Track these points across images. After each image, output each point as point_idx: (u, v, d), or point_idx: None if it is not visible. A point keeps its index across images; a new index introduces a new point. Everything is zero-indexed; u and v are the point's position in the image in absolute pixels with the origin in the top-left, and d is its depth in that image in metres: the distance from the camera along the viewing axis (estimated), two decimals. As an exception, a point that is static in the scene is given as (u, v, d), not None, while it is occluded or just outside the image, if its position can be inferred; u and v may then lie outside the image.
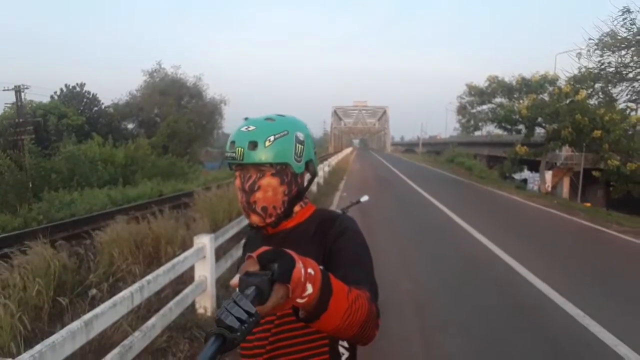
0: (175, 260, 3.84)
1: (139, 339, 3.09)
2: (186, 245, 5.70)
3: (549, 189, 22.82)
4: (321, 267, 0.88)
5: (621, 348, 3.89)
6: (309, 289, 0.81)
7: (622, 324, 4.46)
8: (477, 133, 26.54)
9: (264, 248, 0.82)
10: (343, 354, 1.16)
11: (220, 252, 5.76)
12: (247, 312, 0.72)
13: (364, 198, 4.82)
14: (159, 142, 30.95)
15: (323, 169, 19.93)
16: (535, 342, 4.05)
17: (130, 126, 39.03)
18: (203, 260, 4.41)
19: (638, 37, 10.92)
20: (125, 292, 2.95)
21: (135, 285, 3.11)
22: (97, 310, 2.64)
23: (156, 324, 3.38)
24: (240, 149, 1.11)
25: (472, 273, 6.30)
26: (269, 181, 1.14)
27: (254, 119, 1.17)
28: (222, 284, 5.21)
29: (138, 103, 37.53)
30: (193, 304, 4.41)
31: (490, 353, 3.91)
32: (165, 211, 7.56)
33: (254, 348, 1.15)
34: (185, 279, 4.75)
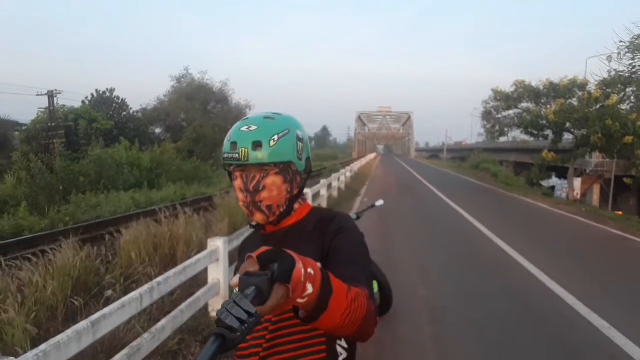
0: (188, 262, 3.87)
1: (147, 341, 3.11)
2: (203, 247, 5.75)
3: (578, 196, 22.17)
4: (320, 266, 0.88)
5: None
6: (309, 288, 0.82)
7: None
8: (503, 139, 25.96)
9: (264, 248, 0.82)
10: (341, 354, 1.15)
11: (235, 255, 5.80)
12: (247, 312, 0.72)
13: (379, 202, 4.78)
14: (184, 146, 31.45)
15: (345, 175, 19.88)
16: (554, 352, 3.91)
17: (157, 131, 39.84)
18: (216, 263, 4.43)
19: (671, 40, 10.51)
20: (134, 294, 2.98)
21: (145, 287, 3.14)
22: (105, 310, 2.67)
23: (166, 326, 3.41)
24: (244, 149, 1.09)
25: (491, 280, 6.14)
26: (274, 180, 1.14)
27: (252, 118, 1.16)
28: (236, 287, 5.24)
29: (165, 108, 38.27)
30: (206, 307, 4.44)
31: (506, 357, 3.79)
32: (186, 214, 7.65)
33: (250, 347, 1.15)
34: (201, 281, 4.78)
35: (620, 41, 11.74)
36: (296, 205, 1.23)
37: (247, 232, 5.62)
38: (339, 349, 1.15)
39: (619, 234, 10.51)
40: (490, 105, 23.09)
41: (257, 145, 1.09)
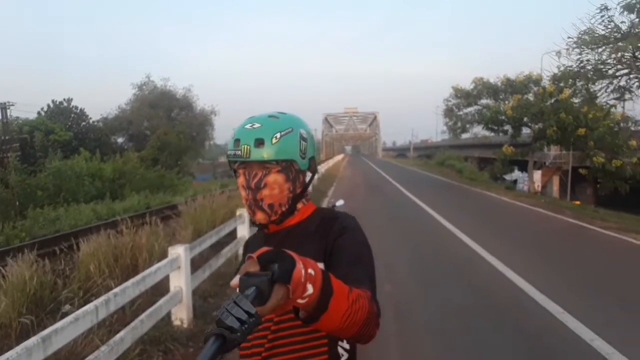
0: (147, 271, 3.80)
1: (105, 354, 3.03)
2: (166, 256, 5.65)
3: (539, 188, 22.92)
4: (322, 267, 0.88)
5: (597, 342, 3.89)
6: (310, 289, 0.81)
7: (600, 319, 4.47)
8: (465, 135, 26.68)
9: (264, 248, 0.82)
10: (342, 355, 1.15)
11: (201, 262, 5.74)
12: (247, 312, 0.72)
13: (340, 202, 4.78)
14: (148, 155, 30.83)
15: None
16: (512, 339, 4.05)
17: (120, 140, 38.88)
18: (178, 271, 4.37)
19: (616, 34, 11.05)
20: (89, 307, 2.90)
21: (101, 299, 3.06)
22: (58, 325, 2.59)
23: (125, 337, 3.33)
24: (246, 146, 1.10)
25: (455, 274, 6.29)
26: (275, 178, 1.14)
27: (257, 116, 1.17)
28: (200, 295, 5.18)
29: (127, 116, 37.40)
30: (169, 316, 4.37)
31: (466, 352, 3.89)
32: (150, 223, 7.49)
33: (253, 347, 1.15)
34: (164, 290, 4.70)
35: (569, 37, 12.24)
36: (299, 205, 1.22)
37: (208, 239, 5.57)
38: (341, 350, 1.15)
39: (575, 223, 10.96)
40: (452, 103, 23.69)
41: (259, 142, 1.10)
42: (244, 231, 7.01)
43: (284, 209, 1.18)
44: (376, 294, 1.06)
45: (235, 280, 0.79)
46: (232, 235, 6.92)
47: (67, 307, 4.44)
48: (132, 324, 3.50)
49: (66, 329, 2.61)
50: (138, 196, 16.75)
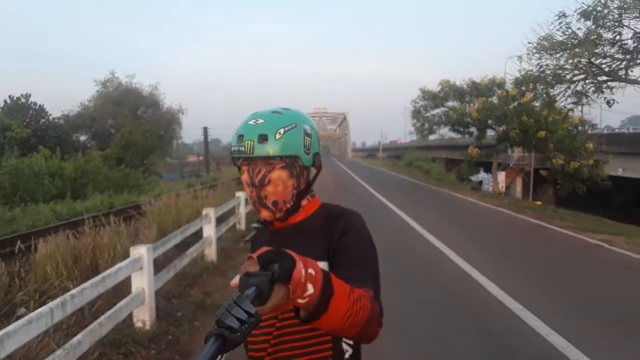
0: (107, 272, 3.69)
1: (61, 358, 2.92)
2: (128, 256, 5.51)
3: (503, 189, 23.60)
4: (322, 267, 0.87)
5: (553, 337, 4.04)
6: (310, 289, 0.81)
7: (557, 315, 4.64)
8: (433, 137, 27.19)
9: (264, 248, 0.82)
10: (347, 351, 1.15)
11: (166, 262, 5.62)
12: (247, 312, 0.72)
13: (305, 201, 4.84)
14: (113, 153, 29.98)
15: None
16: (473, 336, 4.15)
17: (82, 138, 37.67)
18: (140, 272, 4.26)
19: (573, 41, 11.51)
20: (43, 309, 2.79)
21: (57, 301, 2.96)
22: (10, 328, 2.48)
23: (83, 340, 3.22)
24: (249, 142, 1.09)
25: (418, 272, 6.41)
26: (279, 174, 1.13)
27: (260, 112, 1.16)
28: (164, 295, 5.07)
29: (90, 114, 36.28)
30: (130, 318, 4.26)
31: (427, 350, 3.96)
32: (113, 223, 7.29)
33: (258, 343, 1.15)
34: (126, 291, 4.58)
35: (529, 43, 12.68)
36: (304, 202, 1.21)
37: (173, 238, 5.46)
38: (345, 346, 1.15)
39: (536, 223, 11.35)
40: (419, 105, 24.15)
41: (262, 138, 1.09)
42: (210, 231, 6.92)
43: (288, 205, 1.17)
44: (380, 293, 1.06)
45: (236, 280, 0.79)
46: (198, 235, 6.81)
47: (22, 310, 4.26)
48: (90, 327, 3.40)
49: (19, 332, 2.51)
50: (101, 196, 16.27)
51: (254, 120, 1.12)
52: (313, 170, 1.24)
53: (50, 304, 2.88)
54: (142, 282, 4.28)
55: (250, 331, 0.73)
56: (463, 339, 4.12)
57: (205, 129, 46.28)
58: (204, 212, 6.99)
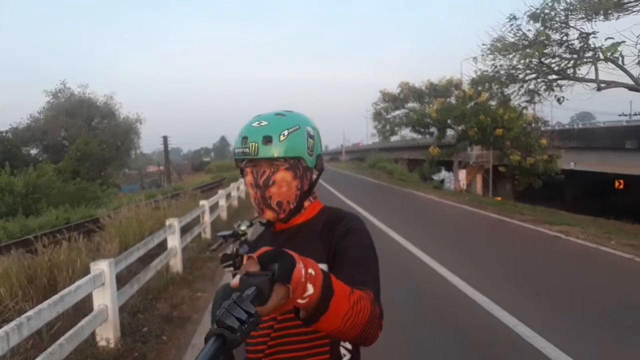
0: (65, 291, 3.50)
1: (18, 384, 2.75)
2: (89, 272, 5.27)
3: (464, 186, 24.27)
4: (323, 268, 0.88)
5: (520, 327, 4.15)
6: (310, 289, 0.81)
7: (522, 306, 4.78)
8: (394, 138, 27.67)
9: (264, 248, 0.82)
10: (345, 355, 1.15)
11: (130, 276, 5.41)
12: (247, 312, 0.72)
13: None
14: (67, 166, 28.76)
15: (244, 183, 19.62)
16: (441, 330, 4.20)
17: (33, 151, 35.98)
18: (102, 288, 4.08)
19: (524, 42, 11.99)
20: (-4, 333, 2.61)
21: (12, 324, 2.77)
22: (-42, 357, 2.31)
23: (42, 364, 3.04)
24: (254, 144, 1.10)
25: (383, 269, 6.41)
26: (283, 175, 1.14)
27: (264, 114, 1.17)
28: (128, 311, 4.88)
29: (41, 126, 34.78)
30: (93, 337, 4.06)
31: (393, 347, 3.98)
32: (70, 239, 6.96)
33: (256, 344, 1.15)
34: (88, 309, 4.37)
35: (483, 44, 13.17)
36: (306, 203, 1.22)
37: (136, 251, 5.26)
38: (343, 350, 1.14)
39: (497, 217, 11.71)
40: (380, 107, 24.53)
41: (267, 139, 1.10)
42: (174, 241, 6.73)
43: (291, 206, 1.18)
44: (380, 296, 1.06)
45: (236, 280, 0.79)
46: (163, 246, 6.61)
47: (-27, 336, 3.97)
48: (50, 349, 3.21)
49: (-31, 361, 2.33)
50: (56, 211, 15.58)
51: (258, 122, 1.14)
52: (315, 172, 1.25)
53: (5, 328, 2.70)
54: (105, 299, 4.10)
55: (250, 331, 0.72)
56: (430, 332, 4.16)
57: (165, 138, 45.30)
58: (167, 223, 6.79)
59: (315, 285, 0.82)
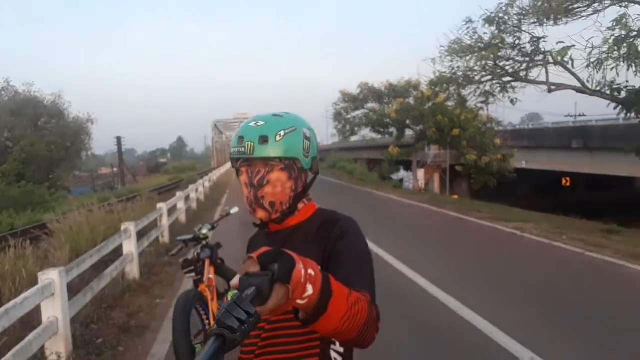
0: (10, 304, 3.22)
1: (-44, 409, 2.49)
2: (36, 283, 4.92)
3: (423, 185, 24.79)
4: (321, 269, 0.88)
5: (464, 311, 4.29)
6: (309, 289, 0.81)
7: (477, 298, 4.89)
8: (354, 138, 27.92)
9: (264, 249, 0.82)
10: (335, 359, 1.14)
11: (82, 285, 5.10)
12: (247, 312, 0.72)
13: (234, 210, 4.62)
14: (11, 169, 27.21)
15: (203, 185, 19.21)
16: (401, 327, 4.21)
17: (-27, 154, 33.75)
18: (52, 299, 3.80)
19: (480, 45, 12.34)
20: None
21: (-52, 343, 2.51)
22: None
23: (-16, 385, 2.78)
24: (250, 143, 1.11)
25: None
26: (278, 176, 1.14)
27: (261, 115, 1.18)
28: (81, 322, 4.59)
29: (-18, 127, 32.63)
30: (42, 352, 3.78)
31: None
32: (16, 246, 6.49)
33: (248, 345, 1.16)
34: (37, 322, 4.07)
35: (441, 46, 13.46)
36: (301, 205, 1.22)
37: (88, 259, 4.97)
38: (334, 354, 1.13)
39: (456, 216, 11.98)
40: (340, 107, 24.65)
41: (263, 139, 1.11)
42: (130, 247, 6.43)
43: (285, 207, 1.17)
44: (376, 298, 1.06)
45: (236, 280, 0.79)
46: (118, 252, 6.30)
47: None
48: (-7, 369, 2.94)
49: None
50: None
51: (255, 123, 1.14)
52: (310, 175, 1.24)
53: (-61, 348, 2.44)
54: (55, 310, 3.82)
55: (250, 331, 0.73)
56: (391, 329, 4.16)
57: (119, 139, 43.74)
58: (122, 227, 6.48)
59: (314, 286, 0.82)
